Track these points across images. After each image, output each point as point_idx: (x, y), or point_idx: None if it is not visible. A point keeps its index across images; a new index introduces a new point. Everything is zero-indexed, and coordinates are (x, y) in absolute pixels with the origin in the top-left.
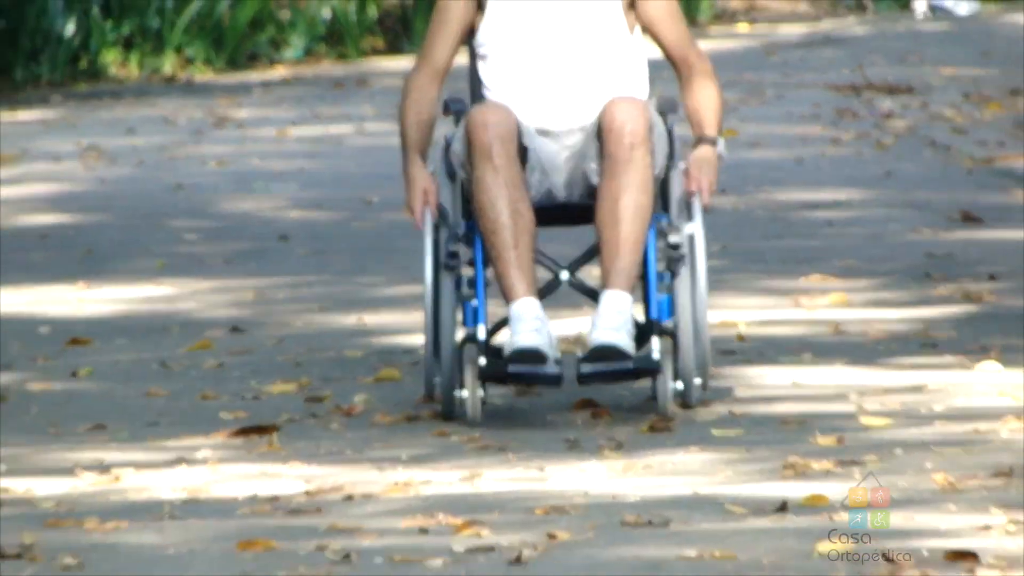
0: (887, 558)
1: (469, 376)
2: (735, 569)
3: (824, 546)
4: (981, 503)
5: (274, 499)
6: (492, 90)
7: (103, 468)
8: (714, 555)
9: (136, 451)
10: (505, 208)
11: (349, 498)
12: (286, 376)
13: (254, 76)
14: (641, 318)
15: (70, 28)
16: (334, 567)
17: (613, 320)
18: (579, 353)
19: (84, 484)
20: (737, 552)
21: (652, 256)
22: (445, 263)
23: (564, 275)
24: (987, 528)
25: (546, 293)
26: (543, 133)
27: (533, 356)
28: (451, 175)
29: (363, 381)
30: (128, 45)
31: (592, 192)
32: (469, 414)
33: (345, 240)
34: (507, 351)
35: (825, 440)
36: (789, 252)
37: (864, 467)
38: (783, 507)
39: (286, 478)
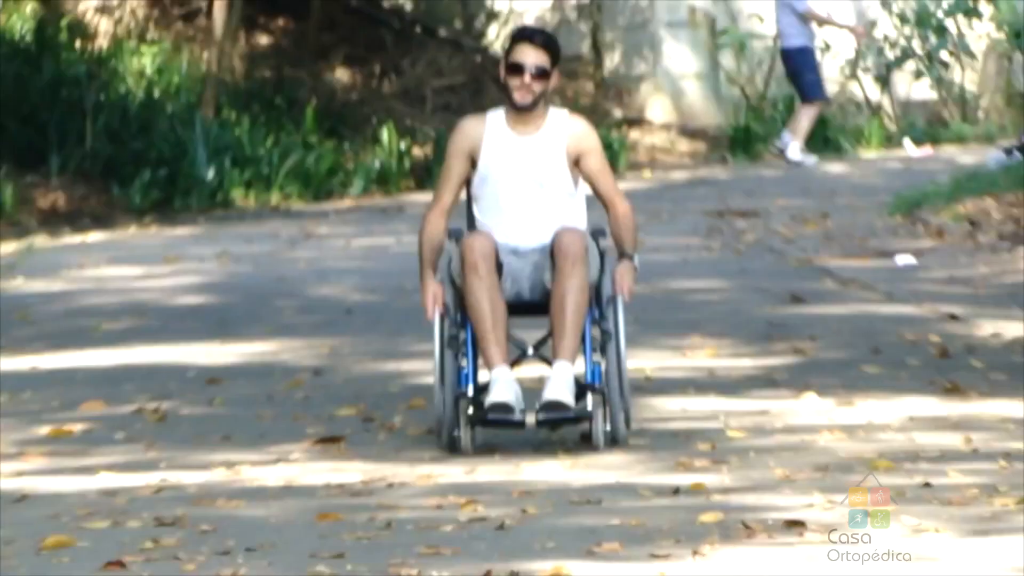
0: (746, 525)
1: (463, 420)
2: (645, 532)
3: (704, 516)
4: (807, 488)
5: (341, 486)
6: (480, 221)
7: (229, 465)
8: (631, 523)
9: (251, 453)
10: (487, 304)
11: (390, 486)
12: (349, 403)
13: (329, 206)
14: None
15: (211, 174)
16: (380, 532)
17: (559, 382)
18: (536, 405)
19: (216, 476)
20: (646, 521)
21: (588, 337)
22: (448, 342)
23: (529, 350)
24: (811, 505)
25: (516, 362)
26: (513, 252)
27: (505, 408)
28: (451, 282)
29: (400, 407)
30: (248, 185)
31: (547, 293)
32: (462, 446)
33: (389, 313)
34: (487, 404)
35: (703, 446)
36: (679, 322)
37: (729, 464)
38: (676, 491)
39: (349, 472)
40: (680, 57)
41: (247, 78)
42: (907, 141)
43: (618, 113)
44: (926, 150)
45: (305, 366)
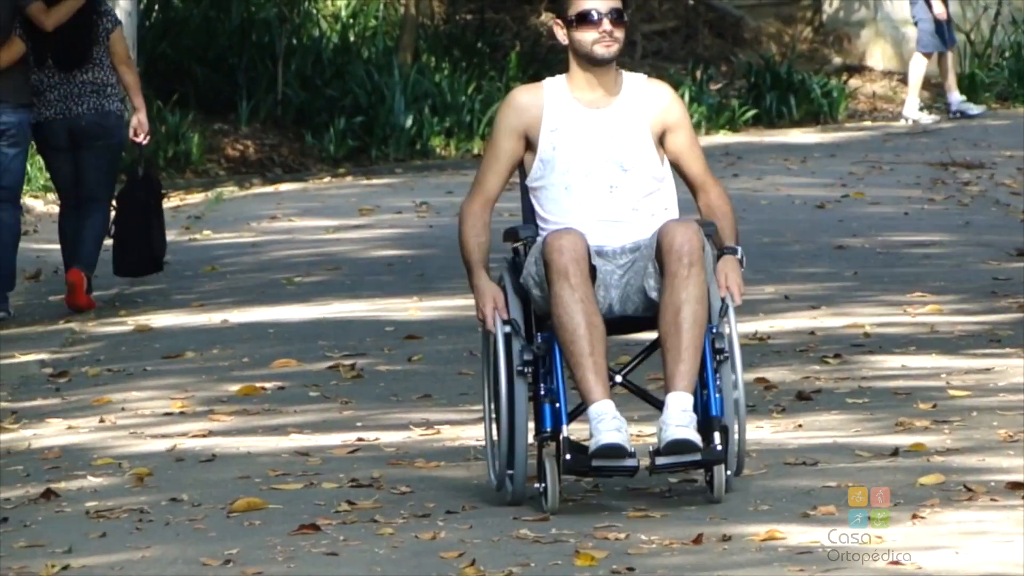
0: (967, 488)
1: (551, 470)
2: (863, 495)
3: (924, 479)
4: None
5: None
6: (547, 220)
7: (428, 425)
8: (848, 485)
9: (451, 413)
10: (582, 321)
11: None
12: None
13: None
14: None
15: (409, 122)
16: (586, 494)
17: (681, 418)
18: (651, 447)
19: (415, 436)
20: (864, 483)
21: (709, 360)
22: (519, 370)
23: (618, 378)
24: None
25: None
26: (599, 253)
27: (615, 452)
28: (518, 292)
29: (615, 361)
30: (449, 133)
31: (648, 306)
32: (549, 504)
33: None
34: (592, 447)
35: (924, 406)
36: (899, 276)
37: (951, 424)
38: (895, 452)
39: None
40: (902, 2)
41: (447, 22)
42: None
43: (837, 60)
44: None
45: None
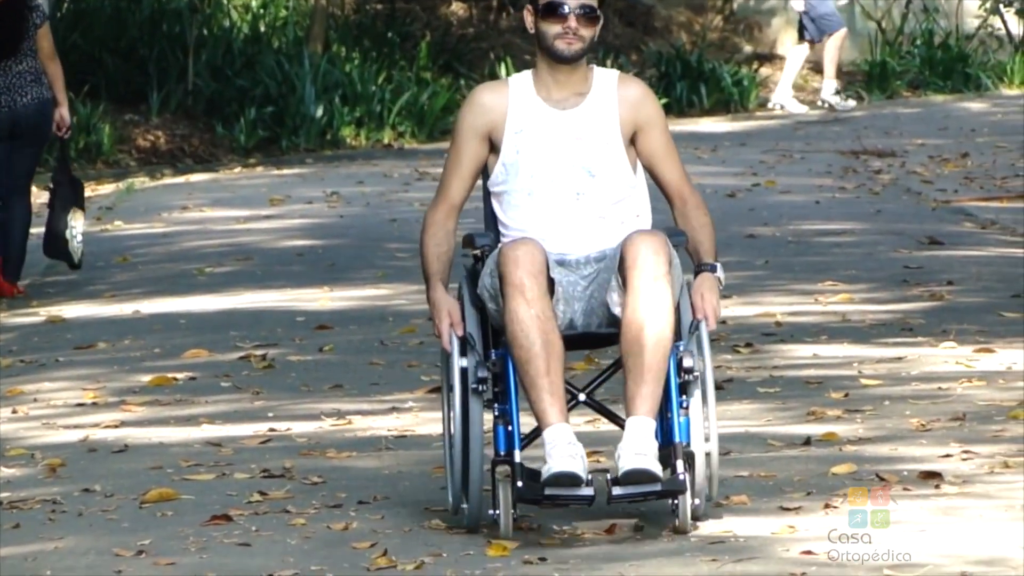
0: (880, 477)
1: (504, 497)
2: (774, 484)
3: (836, 468)
4: (943, 439)
5: None
6: (509, 226)
7: (340, 415)
8: (760, 475)
9: (362, 403)
10: (538, 339)
11: None
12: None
13: (445, 145)
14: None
15: (319, 112)
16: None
17: (640, 445)
18: (609, 475)
19: (326, 426)
20: (776, 472)
21: (674, 382)
22: (473, 388)
23: (581, 397)
24: (948, 456)
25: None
26: (561, 263)
27: (569, 480)
28: (475, 304)
29: None
30: (359, 123)
31: (612, 321)
32: (502, 531)
33: None
34: (545, 475)
35: (836, 395)
36: (810, 265)
37: (862, 413)
38: (807, 441)
39: None
40: None
41: (357, 11)
42: None
43: (748, 48)
44: None
45: (419, 311)
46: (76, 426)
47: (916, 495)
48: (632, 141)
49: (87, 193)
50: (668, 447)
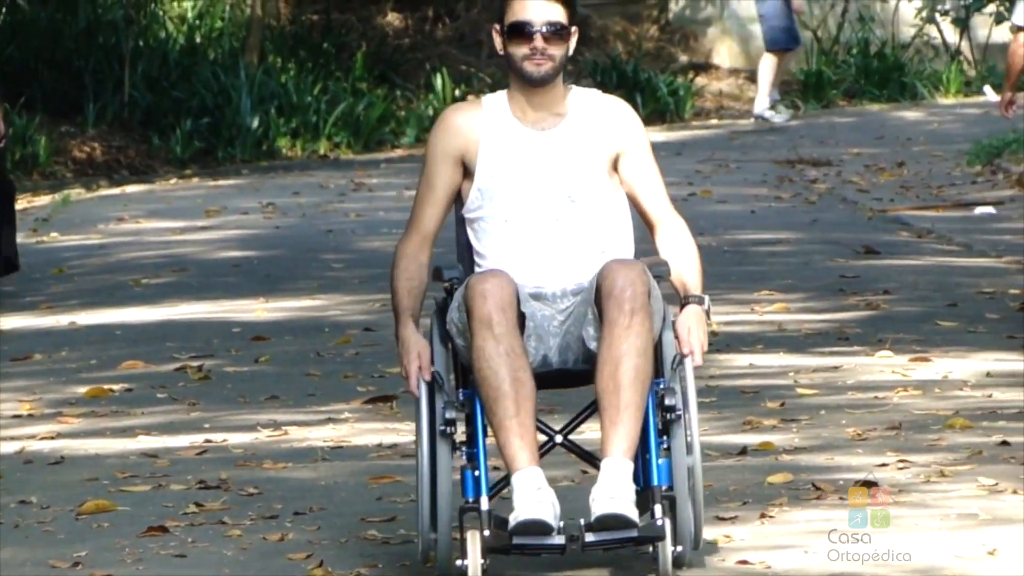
0: (816, 486)
1: (472, 546)
2: (710, 494)
3: (772, 477)
4: (880, 448)
5: (394, 446)
6: (484, 255)
7: (276, 426)
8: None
9: (299, 414)
10: (507, 377)
11: None
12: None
13: (381, 156)
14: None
15: (255, 123)
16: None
17: (615, 489)
18: (582, 521)
19: (263, 437)
20: (713, 482)
21: (652, 422)
22: (442, 430)
23: (558, 439)
24: (884, 465)
25: (541, 455)
26: (536, 297)
27: (538, 528)
28: (444, 341)
29: None
30: (295, 134)
31: (588, 357)
32: None
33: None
34: (512, 523)
35: (772, 404)
36: (746, 274)
37: (799, 423)
38: (743, 451)
39: (402, 432)
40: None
41: (293, 22)
42: (987, 87)
43: (684, 58)
44: None
45: (355, 322)
46: (12, 438)
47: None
48: (614, 165)
49: (24, 205)
50: (647, 490)
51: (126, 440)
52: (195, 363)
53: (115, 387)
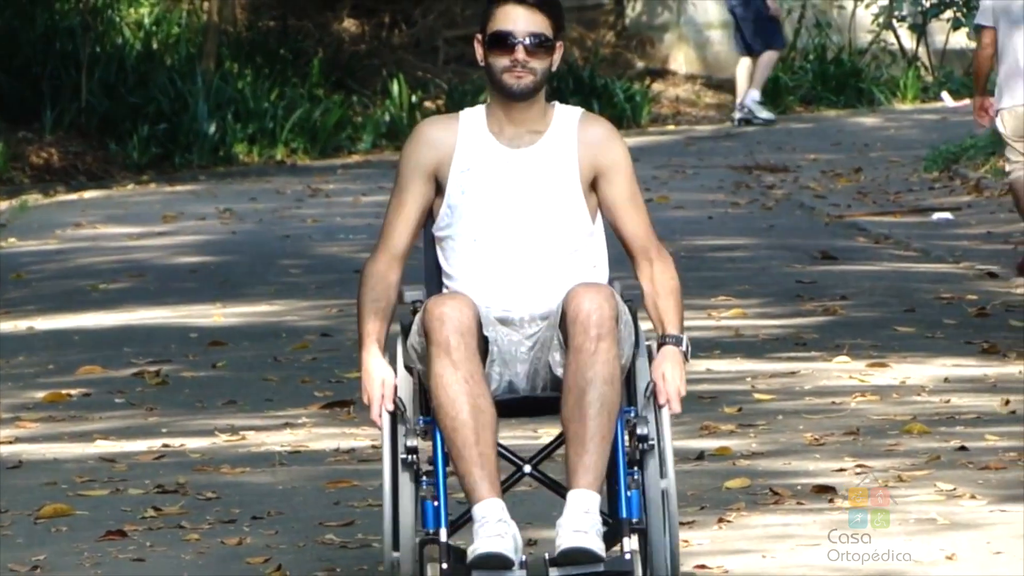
0: (773, 491)
1: None
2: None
3: (730, 482)
4: (837, 453)
5: (351, 451)
6: (452, 276)
7: (234, 430)
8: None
9: (256, 419)
10: (465, 405)
11: None
12: (358, 367)
13: (338, 161)
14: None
15: (212, 129)
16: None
17: (581, 522)
18: (547, 555)
19: (220, 441)
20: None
21: (620, 451)
22: (403, 459)
23: (527, 468)
24: (841, 470)
25: (508, 487)
26: (504, 321)
27: (496, 562)
28: (408, 367)
29: None
30: (252, 140)
31: (556, 384)
32: None
33: None
34: (470, 556)
35: (729, 409)
36: (703, 280)
37: (756, 428)
38: (701, 456)
39: (359, 437)
40: (705, 5)
41: (250, 28)
42: (944, 93)
43: (640, 64)
44: (964, 102)
45: (312, 327)
46: None
47: (809, 509)
48: (593, 187)
49: None
50: (614, 524)
51: (84, 445)
52: (153, 368)
53: (73, 392)
